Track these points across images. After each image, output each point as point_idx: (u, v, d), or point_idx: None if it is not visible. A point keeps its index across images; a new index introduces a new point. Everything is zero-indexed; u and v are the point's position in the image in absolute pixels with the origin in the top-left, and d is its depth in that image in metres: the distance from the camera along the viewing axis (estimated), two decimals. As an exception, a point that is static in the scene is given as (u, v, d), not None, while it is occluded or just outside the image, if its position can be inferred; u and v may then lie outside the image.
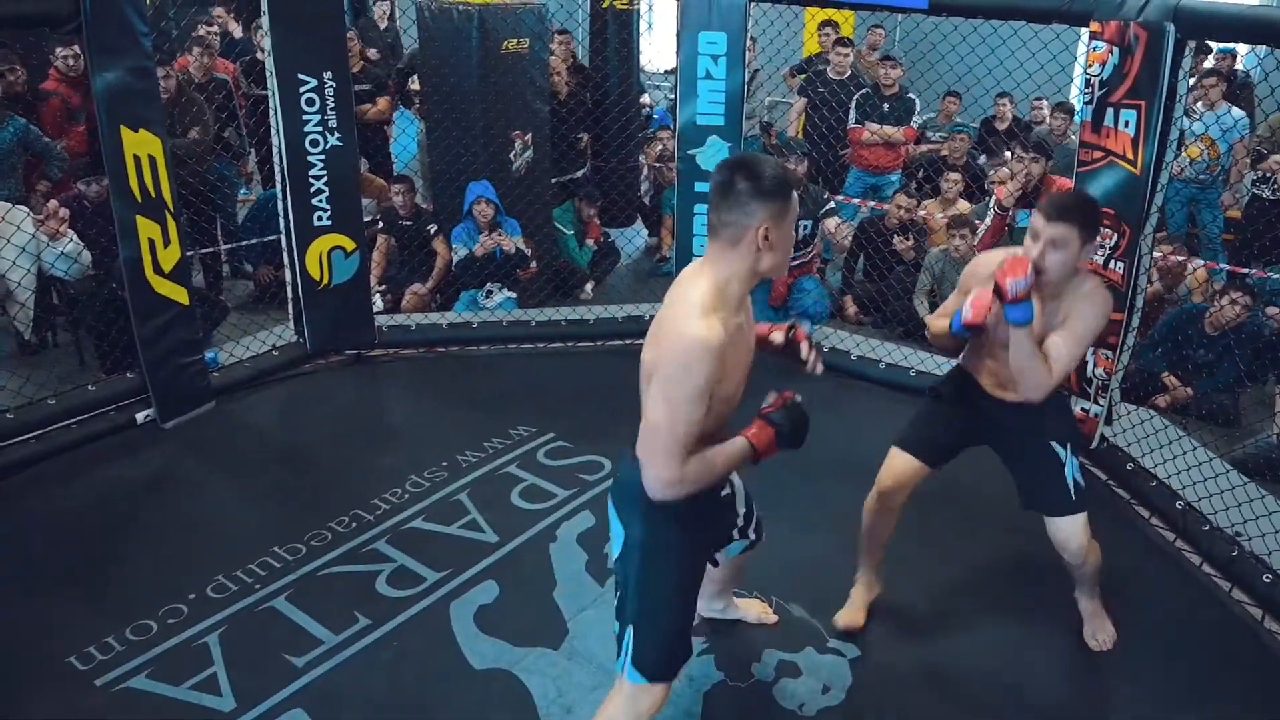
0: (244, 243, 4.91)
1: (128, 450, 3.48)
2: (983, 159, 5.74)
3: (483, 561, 2.88)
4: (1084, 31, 3.33)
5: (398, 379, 4.21)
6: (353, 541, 2.96)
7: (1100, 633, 2.62)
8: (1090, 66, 3.33)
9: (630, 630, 1.89)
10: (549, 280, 5.02)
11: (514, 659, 2.49)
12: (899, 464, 2.50)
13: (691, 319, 1.66)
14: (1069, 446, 2.39)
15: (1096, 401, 3.51)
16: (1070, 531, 2.41)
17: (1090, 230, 2.18)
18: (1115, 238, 3.32)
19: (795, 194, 1.76)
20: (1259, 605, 2.78)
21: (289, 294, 4.10)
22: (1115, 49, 3.19)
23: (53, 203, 4.11)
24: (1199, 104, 5.03)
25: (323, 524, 3.03)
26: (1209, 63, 5.50)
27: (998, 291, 2.13)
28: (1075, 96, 6.81)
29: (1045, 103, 5.85)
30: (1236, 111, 5.09)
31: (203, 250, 4.70)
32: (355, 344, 4.24)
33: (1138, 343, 3.62)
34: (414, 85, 5.61)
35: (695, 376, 1.65)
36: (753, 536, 2.29)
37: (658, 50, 8.07)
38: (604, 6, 5.73)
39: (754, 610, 2.66)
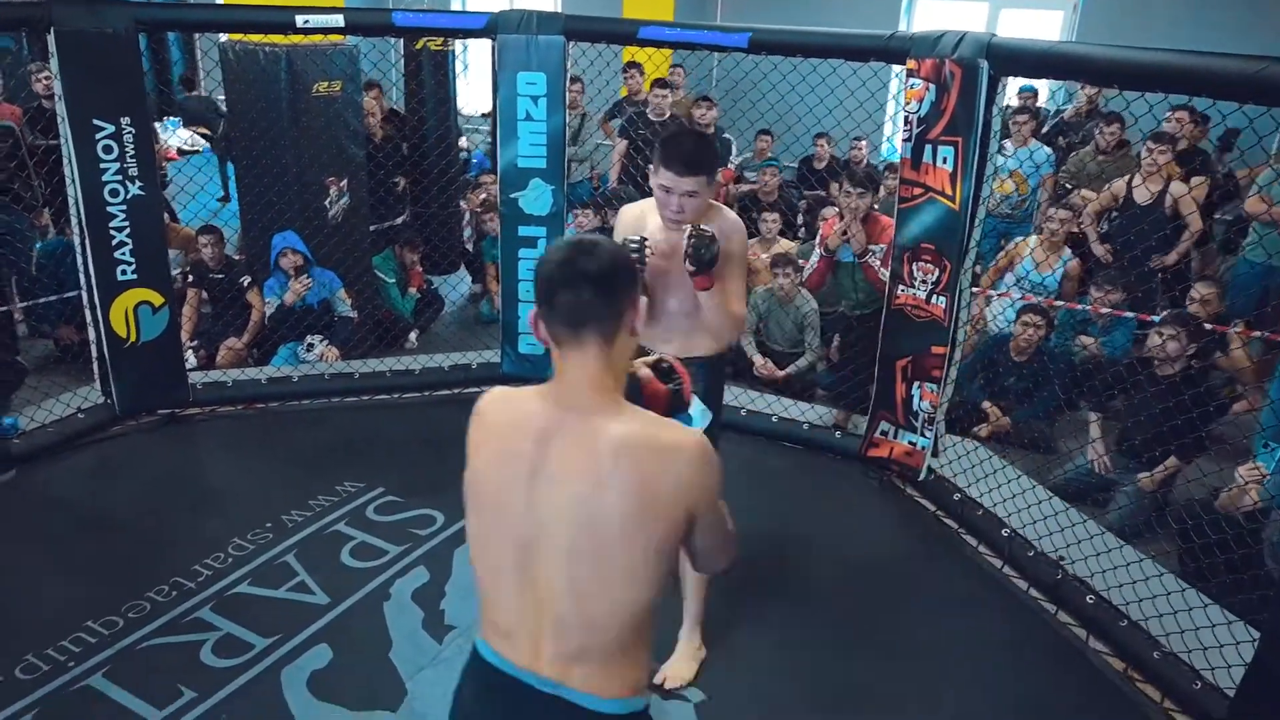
0: (40, 300, 4.80)
1: (-82, 525, 3.40)
2: (803, 201, 6.41)
3: (314, 625, 2.97)
4: (895, 70, 3.65)
5: (215, 438, 4.26)
6: (174, 611, 3.01)
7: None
8: (908, 104, 3.55)
9: None
10: (371, 330, 5.19)
11: (351, 725, 2.59)
12: None
13: None
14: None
15: (923, 434, 3.83)
16: None
17: (714, 171, 2.47)
18: (936, 273, 3.58)
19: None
20: (1083, 626, 3.08)
21: (94, 353, 4.09)
22: (932, 86, 3.41)
23: None
24: (1009, 141, 5.48)
25: (140, 594, 3.07)
26: (1014, 101, 6.14)
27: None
28: (887, 135, 7.73)
29: (865, 142, 6.58)
30: (1041, 148, 5.63)
31: (-5, 310, 4.59)
32: (168, 403, 4.27)
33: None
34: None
35: None
36: None
37: (474, 93, 8.35)
38: (418, 48, 5.99)
39: None
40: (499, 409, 1.52)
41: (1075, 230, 5.39)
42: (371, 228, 5.38)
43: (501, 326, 4.72)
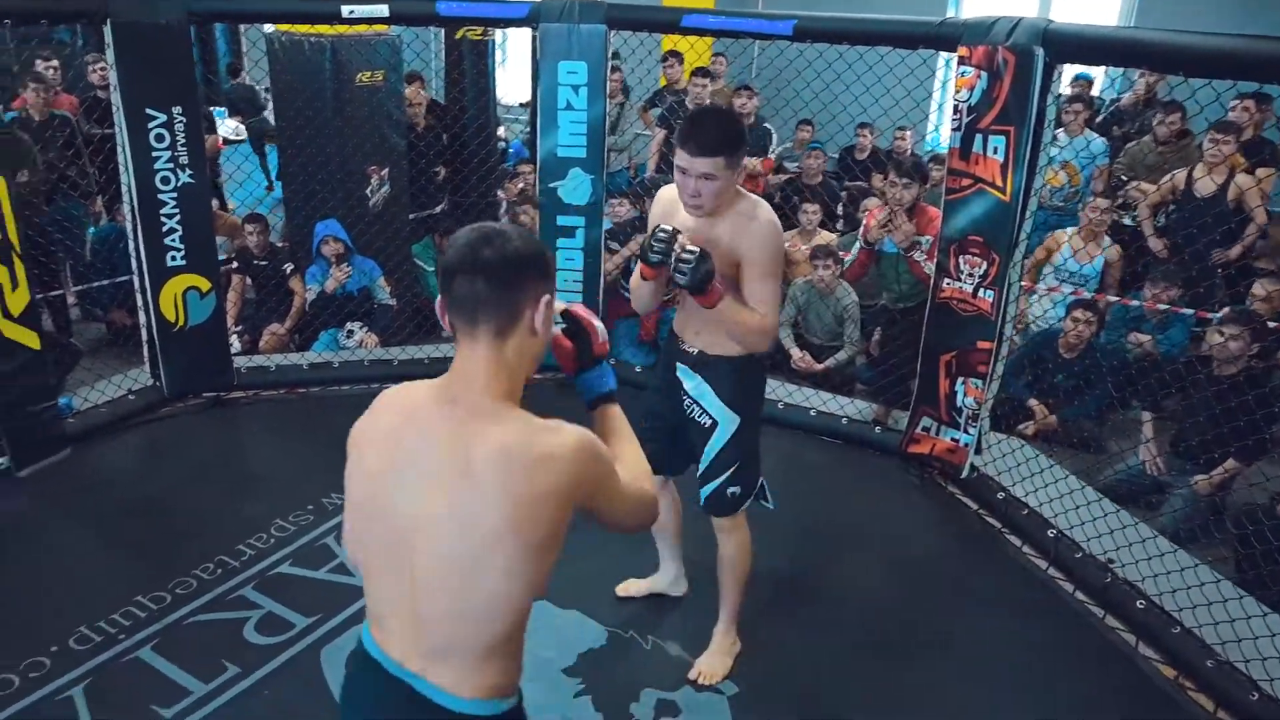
0: (94, 284, 5.01)
1: (-19, 499, 3.60)
2: (844, 192, 6.41)
3: (353, 605, 3.06)
4: (942, 58, 3.56)
5: (259, 421, 4.42)
6: (218, 589, 3.14)
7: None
8: (958, 92, 3.52)
9: None
10: (410, 318, 5.32)
11: (387, 706, 2.75)
12: None
13: None
14: None
15: (966, 431, 3.81)
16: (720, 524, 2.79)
17: (735, 152, 2.31)
18: (984, 265, 3.56)
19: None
20: (1133, 631, 3.05)
21: (144, 336, 4.28)
22: (984, 74, 3.38)
23: None
24: (1061, 131, 5.35)
25: (187, 571, 3.21)
26: (1067, 89, 5.94)
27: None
28: (932, 126, 7.69)
29: (909, 133, 6.57)
30: (1097, 138, 5.55)
31: (50, 293, 4.79)
32: (213, 386, 4.45)
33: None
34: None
35: None
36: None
37: (512, 83, 8.46)
38: (458, 38, 6.11)
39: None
40: (391, 399, 1.48)
41: (1125, 220, 5.33)
42: (411, 216, 5.51)
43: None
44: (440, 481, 1.36)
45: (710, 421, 2.63)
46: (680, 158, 2.31)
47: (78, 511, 3.61)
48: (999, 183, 3.45)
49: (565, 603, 3.12)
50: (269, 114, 7.96)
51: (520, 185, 6.08)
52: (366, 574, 1.48)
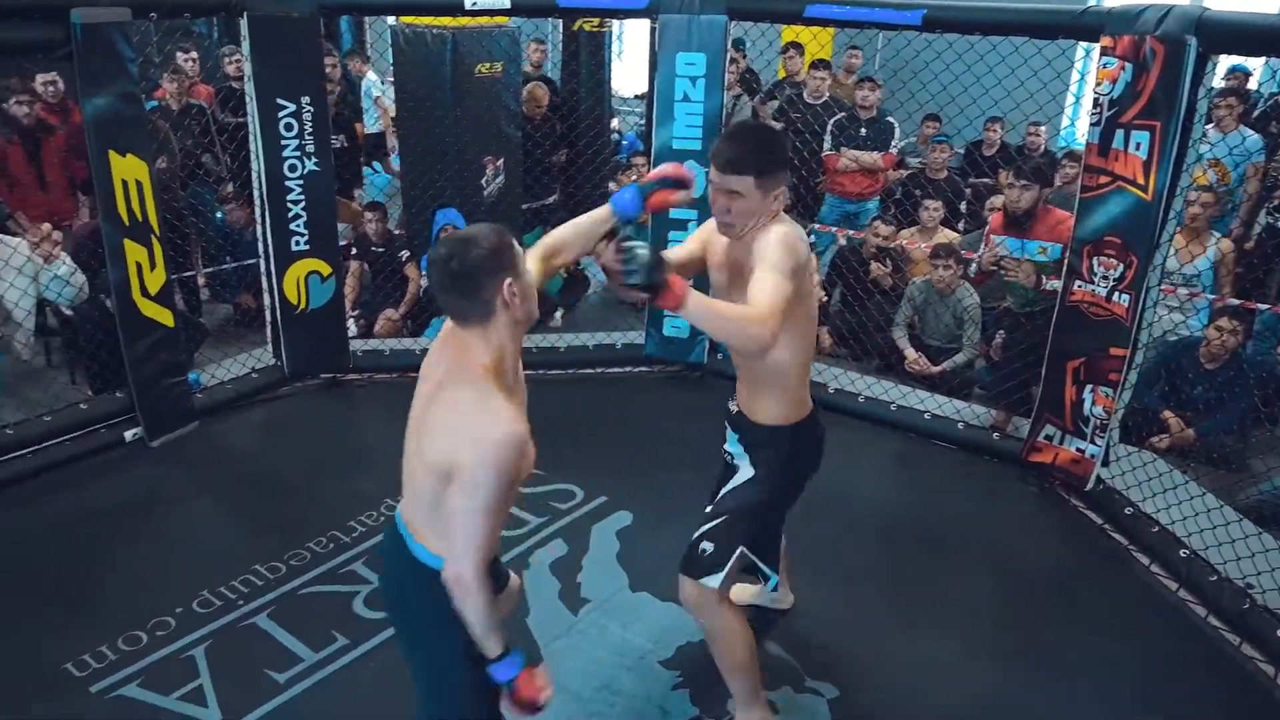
0: (224, 266, 5.33)
1: (117, 467, 3.90)
2: (968, 189, 6.25)
3: None
4: (1081, 48, 3.49)
5: (372, 403, 4.62)
6: (330, 562, 3.31)
7: None
8: (1099, 85, 3.42)
9: None
10: (520, 306, 5.45)
11: (490, 687, 2.82)
12: None
13: None
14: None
15: (1093, 441, 3.72)
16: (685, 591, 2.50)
17: (765, 173, 2.20)
18: (1120, 268, 3.47)
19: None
20: (1271, 662, 2.92)
21: (267, 317, 4.53)
22: (1129, 65, 3.29)
23: (45, 225, 4.56)
24: (1211, 126, 5.06)
25: (301, 544, 3.40)
26: (1219, 82, 5.61)
27: None
28: (1066, 120, 7.41)
29: (1044, 128, 6.34)
30: (1252, 135, 5.25)
31: (182, 274, 5.09)
32: (331, 368, 4.67)
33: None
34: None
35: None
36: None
37: (627, 74, 8.56)
38: (575, 29, 6.22)
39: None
40: (440, 337, 1.93)
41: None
42: (524, 206, 5.63)
43: (647, 308, 4.84)
44: (420, 410, 1.85)
45: (734, 466, 2.57)
46: (711, 172, 2.24)
47: (204, 482, 3.87)
48: (1140, 181, 3.35)
49: (664, 595, 3.15)
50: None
51: (634, 177, 6.15)
52: None
